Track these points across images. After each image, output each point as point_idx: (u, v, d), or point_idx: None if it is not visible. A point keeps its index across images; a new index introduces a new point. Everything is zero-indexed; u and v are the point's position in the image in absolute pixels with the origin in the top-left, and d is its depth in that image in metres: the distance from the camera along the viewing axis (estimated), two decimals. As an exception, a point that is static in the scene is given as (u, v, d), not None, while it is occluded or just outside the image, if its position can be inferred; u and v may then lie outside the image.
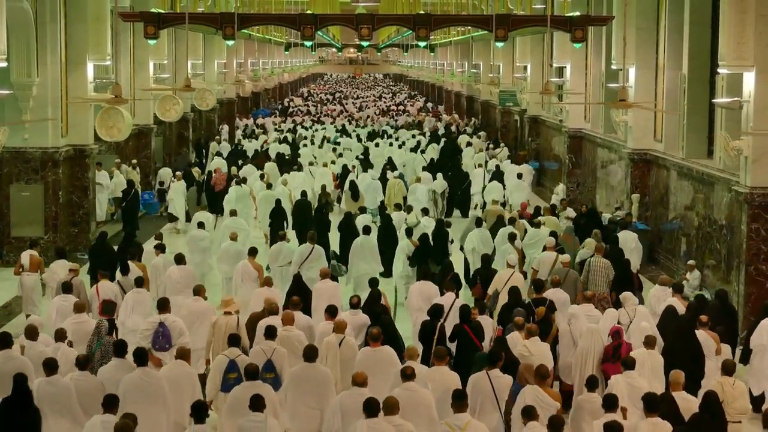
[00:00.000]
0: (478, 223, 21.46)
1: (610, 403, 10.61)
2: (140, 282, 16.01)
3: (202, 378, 12.96)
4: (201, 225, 21.41)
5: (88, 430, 10.61)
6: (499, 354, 11.84)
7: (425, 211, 24.03)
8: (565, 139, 31.96)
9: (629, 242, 20.46)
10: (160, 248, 18.67)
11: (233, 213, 22.99)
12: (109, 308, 14.41)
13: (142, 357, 11.95)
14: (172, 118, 29.53)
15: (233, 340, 12.79)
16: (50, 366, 11.63)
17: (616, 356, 13.00)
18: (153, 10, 25.11)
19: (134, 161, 31.17)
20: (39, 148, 23.42)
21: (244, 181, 27.96)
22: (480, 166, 33.05)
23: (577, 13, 25.25)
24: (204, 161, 37.63)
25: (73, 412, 11.45)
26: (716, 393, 11.23)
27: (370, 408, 10.31)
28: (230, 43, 25.57)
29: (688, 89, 22.05)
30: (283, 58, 68.05)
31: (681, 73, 22.52)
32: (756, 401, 13.86)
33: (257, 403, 10.62)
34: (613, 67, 25.08)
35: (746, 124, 18.07)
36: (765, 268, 17.91)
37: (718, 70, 18.89)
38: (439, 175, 30.56)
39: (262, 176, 28.86)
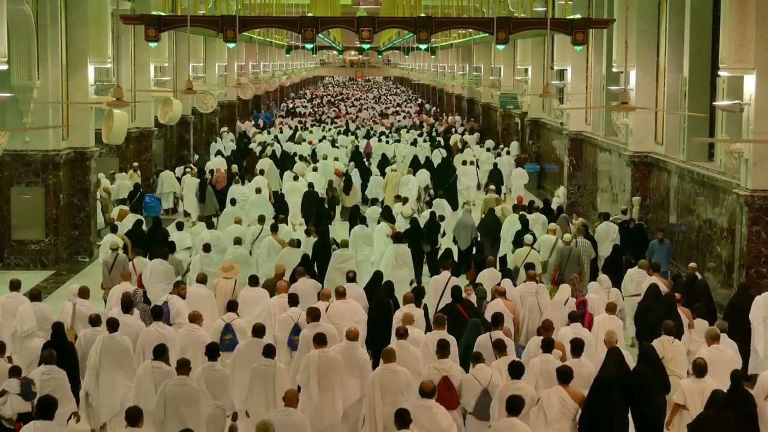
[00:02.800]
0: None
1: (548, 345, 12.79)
2: (207, 248, 19.15)
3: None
4: (233, 202, 25.48)
5: (140, 374, 12.37)
6: (500, 317, 13.83)
7: (429, 204, 25.95)
8: (566, 141, 31.95)
9: (610, 233, 21.86)
10: (179, 226, 21.92)
11: (258, 191, 26.62)
12: None
13: (157, 313, 14.08)
14: (168, 120, 29.66)
15: (230, 306, 14.76)
16: (113, 325, 13.33)
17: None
18: (154, 12, 25.13)
19: (135, 164, 31.16)
20: (40, 150, 23.41)
21: (261, 172, 30.24)
22: (471, 163, 34.52)
23: (578, 16, 25.24)
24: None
25: (130, 364, 13.15)
26: (653, 346, 12.92)
27: (320, 340, 12.60)
28: (231, 45, 25.60)
29: (688, 92, 22.04)
30: (284, 60, 68.06)
31: (682, 75, 22.51)
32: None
33: (270, 351, 12.31)
34: (614, 69, 25.07)
35: (747, 127, 18.07)
36: (766, 271, 17.87)
37: (719, 73, 18.87)
38: (423, 170, 32.24)
39: (295, 178, 30.35)
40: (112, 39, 24.96)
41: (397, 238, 20.35)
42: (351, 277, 16.68)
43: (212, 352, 12.39)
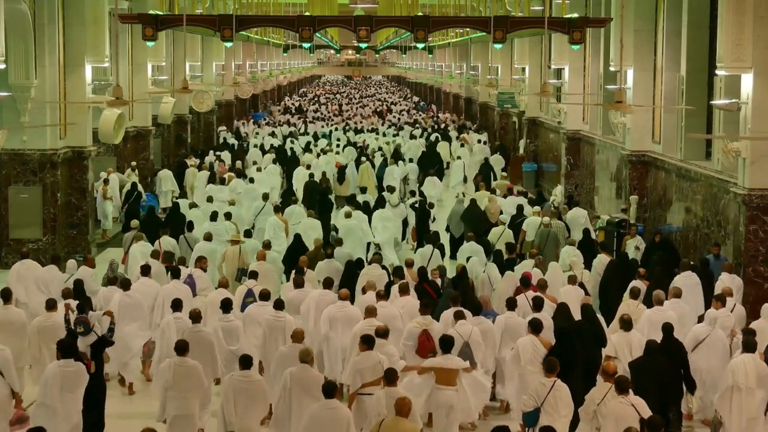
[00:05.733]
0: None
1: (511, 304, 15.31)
2: (229, 215, 22.63)
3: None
4: (251, 180, 28.74)
5: (163, 325, 14.53)
6: (528, 280, 16.53)
7: (413, 194, 28.05)
8: (564, 140, 31.97)
9: (579, 218, 23.61)
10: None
11: (258, 170, 30.75)
12: (170, 257, 18.79)
13: (175, 272, 16.64)
14: (159, 119, 29.71)
15: (251, 275, 16.89)
16: (126, 284, 15.71)
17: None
18: (151, 12, 25.11)
19: (133, 163, 31.13)
20: (37, 149, 23.39)
21: (274, 161, 33.47)
22: (459, 158, 36.33)
23: (576, 15, 25.24)
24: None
25: (143, 318, 15.58)
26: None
27: (297, 283, 16.17)
28: (228, 45, 25.59)
29: (686, 91, 22.06)
30: (281, 59, 68.03)
31: (679, 74, 22.53)
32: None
33: (280, 304, 14.64)
34: (612, 69, 25.09)
35: (744, 126, 18.08)
36: (763, 270, 17.94)
37: (716, 72, 18.90)
38: (401, 162, 34.50)
39: (308, 168, 32.67)
40: (110, 38, 24.94)
41: (383, 202, 24.29)
42: (329, 254, 18.84)
43: (226, 306, 14.58)
